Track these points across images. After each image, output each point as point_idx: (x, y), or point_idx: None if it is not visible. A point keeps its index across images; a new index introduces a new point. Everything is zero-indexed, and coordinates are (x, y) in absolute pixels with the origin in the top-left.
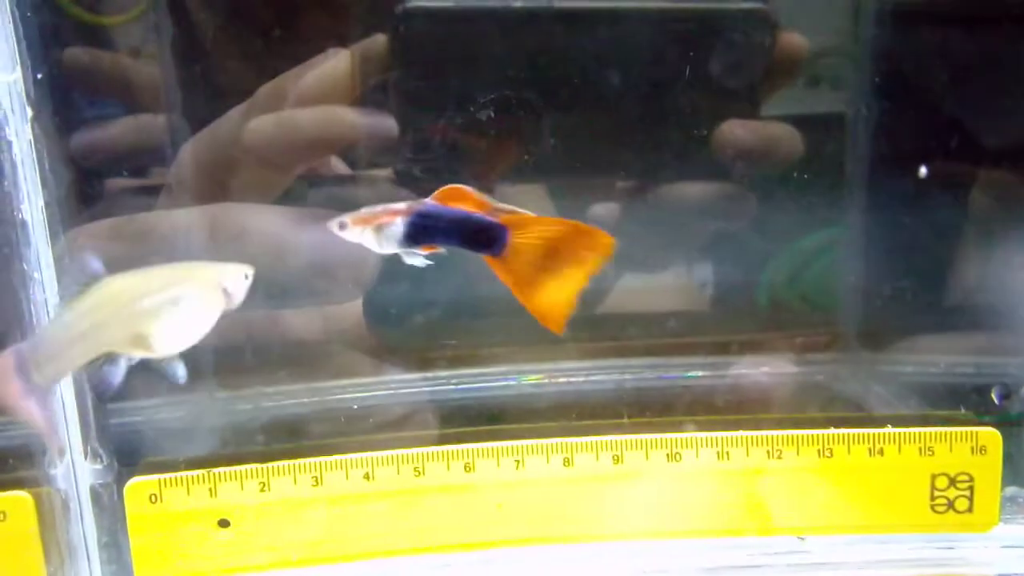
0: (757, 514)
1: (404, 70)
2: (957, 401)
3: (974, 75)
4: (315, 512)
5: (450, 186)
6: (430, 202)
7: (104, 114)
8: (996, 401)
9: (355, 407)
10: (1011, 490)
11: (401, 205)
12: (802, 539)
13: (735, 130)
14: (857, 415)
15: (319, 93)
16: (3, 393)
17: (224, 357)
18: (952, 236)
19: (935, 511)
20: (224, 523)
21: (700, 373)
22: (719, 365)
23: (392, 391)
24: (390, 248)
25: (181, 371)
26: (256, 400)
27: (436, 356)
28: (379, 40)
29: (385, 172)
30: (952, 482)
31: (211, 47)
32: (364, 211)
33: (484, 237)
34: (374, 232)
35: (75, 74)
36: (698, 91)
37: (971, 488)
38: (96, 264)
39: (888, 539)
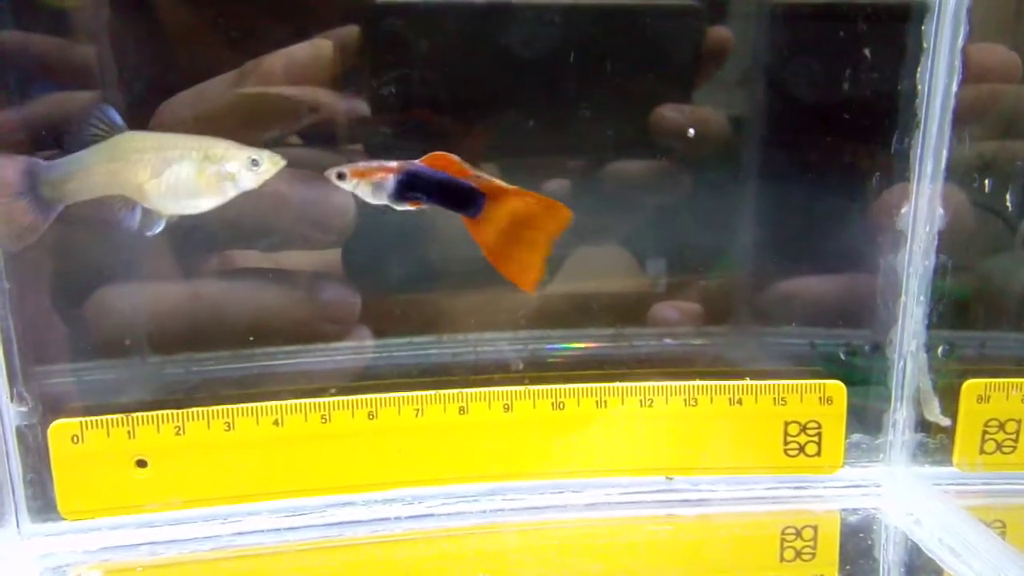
0: (628, 455)
1: (376, 60)
2: (817, 360)
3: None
4: (227, 455)
5: (437, 152)
6: (419, 164)
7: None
8: (843, 357)
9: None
10: (856, 437)
11: (393, 163)
12: (670, 479)
13: (668, 113)
14: (724, 370)
15: (302, 72)
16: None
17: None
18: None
19: (788, 455)
20: (142, 463)
21: (583, 344)
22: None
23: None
24: (380, 200)
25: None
26: (187, 365)
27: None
28: (353, 30)
29: (357, 147)
30: (803, 429)
31: (157, 32)
32: (361, 165)
33: (463, 199)
34: (368, 185)
35: (4, 56)
36: (638, 78)
37: (819, 434)
38: (117, 117)
39: (746, 479)
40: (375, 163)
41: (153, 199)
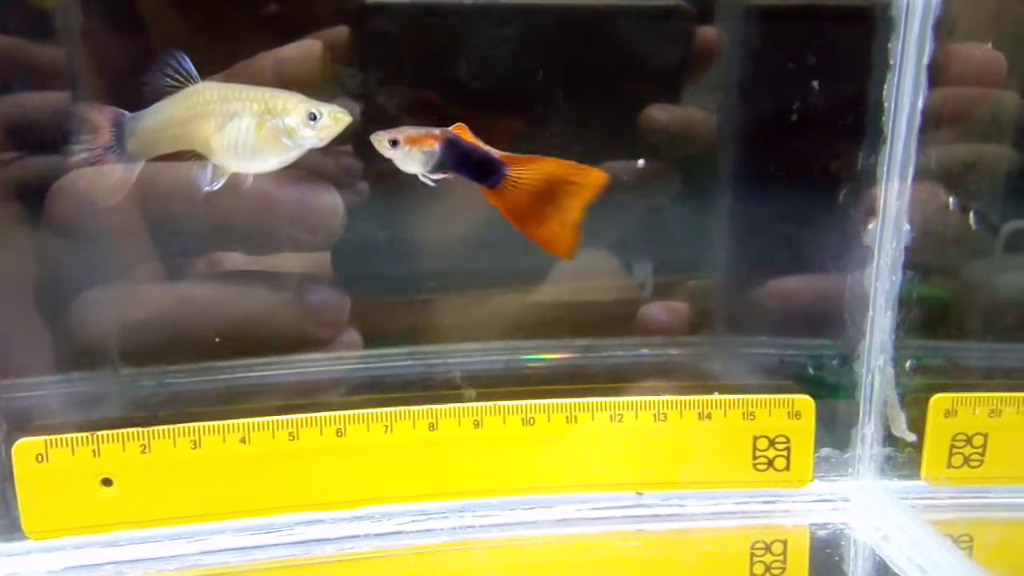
0: (599, 471)
1: (365, 60)
2: (787, 374)
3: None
4: (193, 473)
5: (457, 124)
6: (453, 132)
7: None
8: (811, 371)
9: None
10: (826, 451)
11: (436, 130)
12: (640, 494)
13: (656, 113)
14: (694, 383)
15: (291, 72)
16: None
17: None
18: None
19: (757, 469)
20: (107, 482)
21: (548, 356)
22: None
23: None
24: (415, 169)
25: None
26: (159, 378)
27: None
28: (343, 30)
29: (346, 147)
30: (771, 443)
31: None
32: (411, 131)
33: (487, 169)
34: (421, 152)
35: None
36: (628, 79)
37: (788, 448)
38: (191, 66)
39: (716, 494)
40: (422, 129)
41: (219, 155)
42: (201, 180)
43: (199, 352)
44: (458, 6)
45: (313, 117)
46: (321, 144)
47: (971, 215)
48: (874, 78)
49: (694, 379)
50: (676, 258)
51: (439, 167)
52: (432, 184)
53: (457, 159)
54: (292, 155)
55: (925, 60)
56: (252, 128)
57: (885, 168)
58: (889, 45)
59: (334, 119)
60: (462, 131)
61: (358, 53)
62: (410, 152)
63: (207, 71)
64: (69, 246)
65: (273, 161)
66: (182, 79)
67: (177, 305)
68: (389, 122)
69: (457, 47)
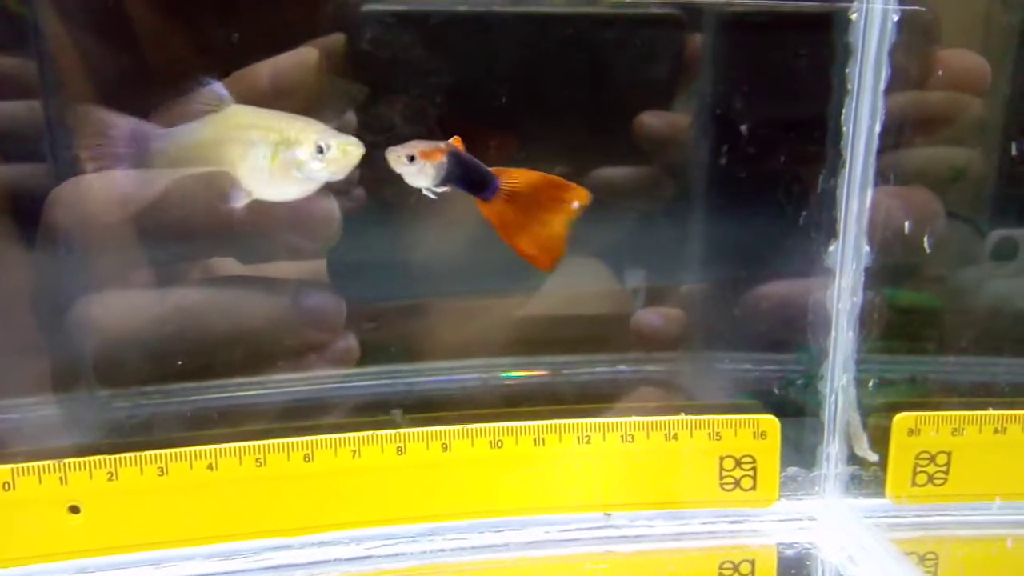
0: (567, 492)
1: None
2: (754, 393)
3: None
4: (161, 500)
5: (454, 137)
6: (454, 145)
7: None
8: (776, 391)
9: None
10: (792, 470)
11: (441, 144)
12: (608, 515)
13: (649, 120)
14: (661, 404)
15: (288, 80)
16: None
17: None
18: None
19: (723, 489)
20: (75, 509)
21: (518, 373)
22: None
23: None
24: (424, 183)
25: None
26: (135, 399)
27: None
28: (339, 38)
29: None
30: (738, 463)
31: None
32: (423, 145)
33: (482, 182)
34: (433, 167)
35: None
36: (622, 86)
37: (754, 468)
38: (224, 91)
39: (684, 515)
40: (428, 143)
41: (243, 180)
42: (235, 199)
43: (190, 366)
44: (454, 14)
45: (321, 150)
46: (335, 178)
47: (925, 239)
48: (833, 102)
49: (664, 398)
50: (653, 271)
51: (444, 181)
52: (434, 197)
53: (460, 172)
54: (309, 187)
55: (882, 85)
56: (268, 157)
57: (844, 190)
58: (847, 70)
59: (342, 151)
60: (458, 144)
61: (354, 61)
62: (424, 167)
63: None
64: (64, 255)
65: (292, 191)
66: (215, 103)
67: (172, 313)
68: (381, 130)
69: (452, 56)
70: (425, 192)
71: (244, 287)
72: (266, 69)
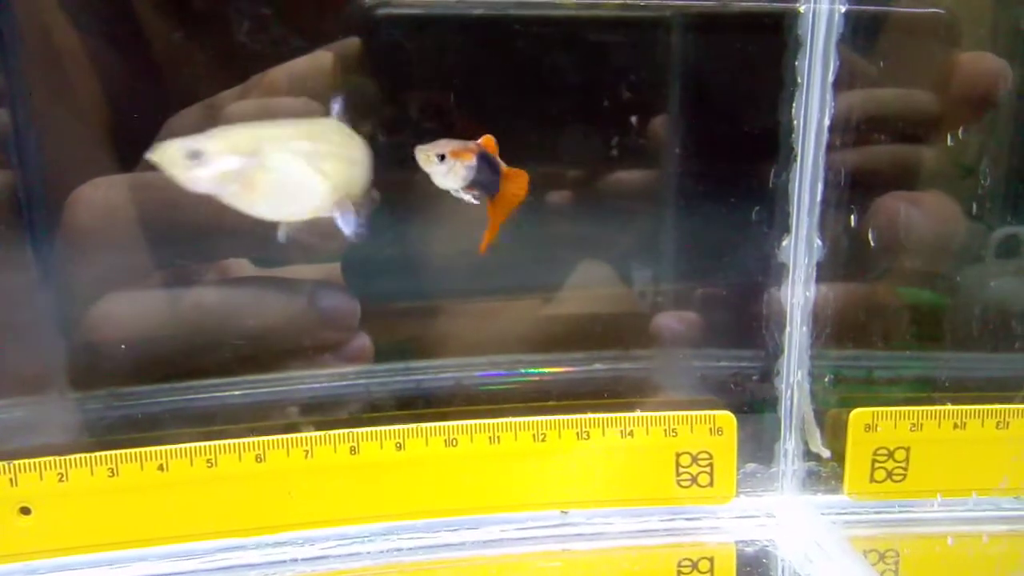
0: (524, 490)
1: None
2: (711, 389)
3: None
4: (112, 501)
5: (485, 136)
6: (483, 146)
7: None
8: (733, 388)
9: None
10: (751, 466)
11: (471, 144)
12: (564, 513)
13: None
14: (615, 401)
15: (303, 84)
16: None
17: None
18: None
19: (680, 485)
20: (25, 511)
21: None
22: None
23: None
24: (454, 184)
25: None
26: (107, 400)
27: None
28: (354, 42)
29: None
30: (694, 459)
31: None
32: (454, 144)
33: (495, 181)
34: (463, 167)
35: None
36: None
37: (711, 465)
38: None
39: (641, 511)
40: (458, 143)
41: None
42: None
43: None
44: (467, 17)
45: (194, 155)
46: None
47: (869, 233)
48: (784, 96)
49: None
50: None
51: (472, 183)
52: (472, 200)
53: (487, 173)
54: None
55: (831, 78)
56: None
57: (796, 185)
58: (796, 63)
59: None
60: (489, 143)
61: (368, 63)
62: (454, 167)
63: (218, 85)
64: (84, 254)
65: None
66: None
67: (189, 311)
68: (396, 131)
69: (465, 58)
70: (454, 194)
71: (259, 288)
72: (282, 73)
